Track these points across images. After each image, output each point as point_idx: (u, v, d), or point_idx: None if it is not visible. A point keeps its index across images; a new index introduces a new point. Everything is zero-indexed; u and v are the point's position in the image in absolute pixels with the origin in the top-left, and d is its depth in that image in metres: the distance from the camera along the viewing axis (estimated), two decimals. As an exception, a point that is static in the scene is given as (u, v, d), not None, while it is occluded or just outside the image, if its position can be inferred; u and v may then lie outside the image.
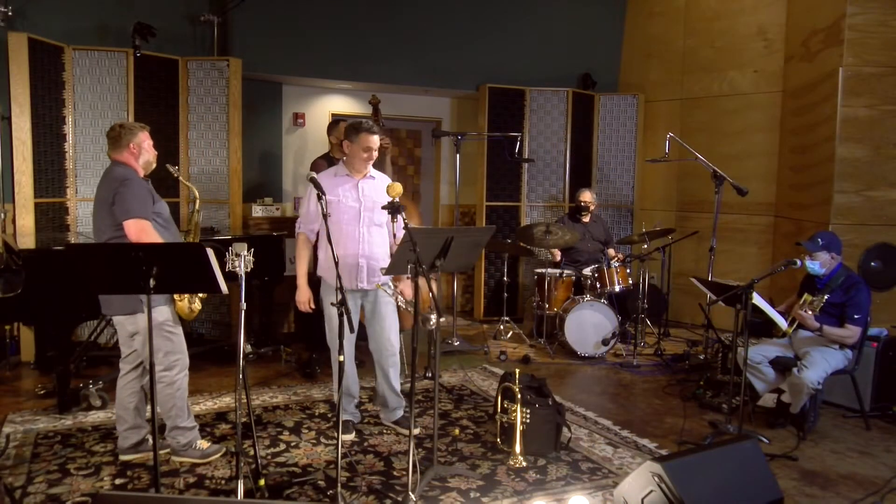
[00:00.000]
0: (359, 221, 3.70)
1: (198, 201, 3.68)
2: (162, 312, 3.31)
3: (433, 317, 3.14)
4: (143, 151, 3.37)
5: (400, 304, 3.48)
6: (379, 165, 4.06)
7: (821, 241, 4.16)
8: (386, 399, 3.95)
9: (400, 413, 3.97)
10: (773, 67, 6.39)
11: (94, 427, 3.86)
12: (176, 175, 3.59)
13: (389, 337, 3.84)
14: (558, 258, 6.20)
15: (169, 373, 3.36)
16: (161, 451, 3.34)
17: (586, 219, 6.36)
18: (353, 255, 3.69)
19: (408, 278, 3.18)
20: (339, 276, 2.95)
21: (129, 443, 3.44)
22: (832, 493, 3.32)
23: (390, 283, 3.62)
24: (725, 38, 6.71)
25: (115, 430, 3.50)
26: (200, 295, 3.48)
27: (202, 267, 2.71)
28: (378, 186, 3.74)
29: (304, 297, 3.72)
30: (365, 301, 3.81)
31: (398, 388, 3.95)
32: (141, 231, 3.15)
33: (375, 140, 3.68)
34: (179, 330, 3.41)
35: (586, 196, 6.35)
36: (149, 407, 3.46)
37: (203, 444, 3.50)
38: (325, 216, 3.01)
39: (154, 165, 3.48)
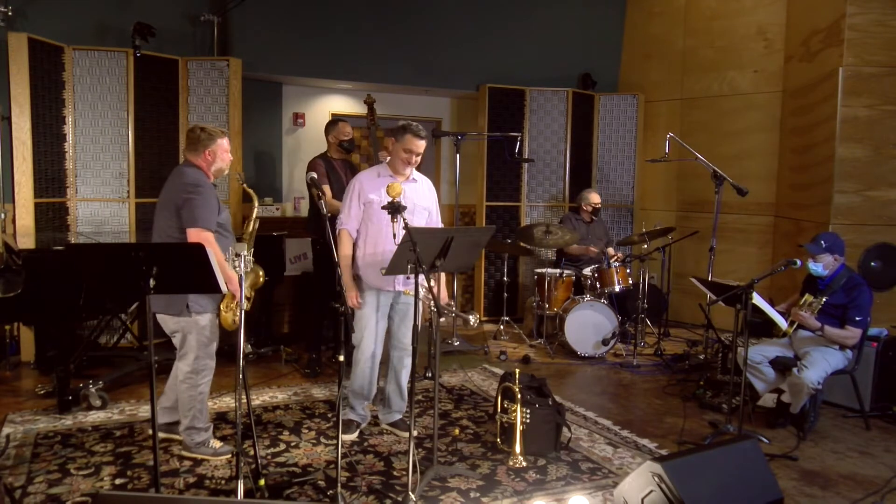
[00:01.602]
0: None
1: (256, 209, 3.60)
2: (206, 318, 3.34)
3: (472, 318, 3.20)
4: (218, 159, 3.40)
5: (428, 304, 3.48)
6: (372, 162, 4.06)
7: (824, 243, 4.14)
8: (390, 400, 3.94)
9: (398, 416, 3.96)
10: (773, 67, 6.39)
11: (94, 427, 3.86)
12: (241, 183, 3.62)
13: (410, 339, 3.85)
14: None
15: (196, 376, 3.38)
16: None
17: (588, 219, 6.37)
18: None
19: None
20: (339, 276, 2.95)
21: (162, 421, 3.51)
22: (832, 493, 3.32)
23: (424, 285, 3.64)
24: (725, 38, 6.71)
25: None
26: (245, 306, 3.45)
27: (202, 267, 2.71)
28: (420, 189, 3.76)
29: (353, 291, 3.66)
30: (396, 302, 3.81)
31: (406, 391, 3.95)
32: (202, 241, 3.14)
33: (419, 144, 3.62)
34: (216, 339, 3.44)
35: (596, 198, 6.35)
36: (157, 404, 3.47)
37: (216, 443, 3.53)
38: (325, 215, 3.00)
39: (226, 172, 3.51)
